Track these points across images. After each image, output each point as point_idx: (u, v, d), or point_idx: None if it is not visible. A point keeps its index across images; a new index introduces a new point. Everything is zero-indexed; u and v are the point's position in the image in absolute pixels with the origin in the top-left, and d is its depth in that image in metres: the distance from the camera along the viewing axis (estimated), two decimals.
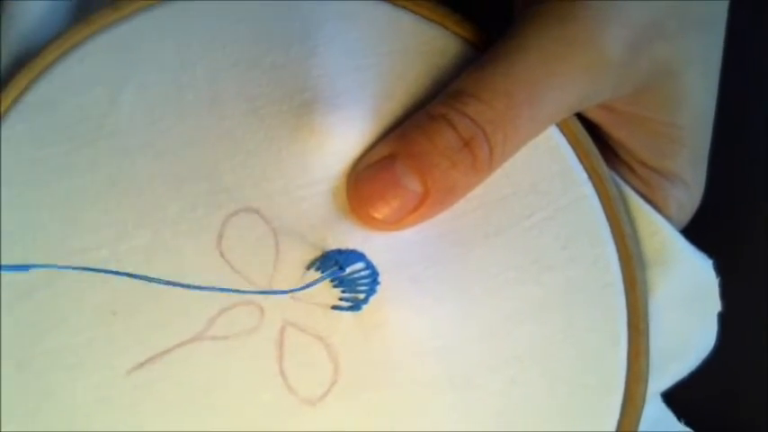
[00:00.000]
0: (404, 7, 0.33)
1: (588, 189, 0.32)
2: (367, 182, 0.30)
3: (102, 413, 0.31)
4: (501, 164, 0.31)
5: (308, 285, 0.30)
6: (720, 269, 0.33)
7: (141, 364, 0.31)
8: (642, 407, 0.32)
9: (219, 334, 0.31)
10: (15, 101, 0.32)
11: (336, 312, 0.31)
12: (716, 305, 0.33)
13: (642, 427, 0.33)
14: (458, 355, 0.31)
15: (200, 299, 0.31)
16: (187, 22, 0.32)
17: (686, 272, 0.33)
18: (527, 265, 0.32)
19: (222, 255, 0.31)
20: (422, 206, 0.30)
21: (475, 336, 0.31)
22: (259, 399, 0.31)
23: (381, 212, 0.30)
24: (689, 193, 0.34)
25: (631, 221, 0.33)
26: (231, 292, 0.30)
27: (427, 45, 0.33)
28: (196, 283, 0.31)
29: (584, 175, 0.32)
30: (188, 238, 0.31)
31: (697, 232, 0.34)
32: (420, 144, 0.30)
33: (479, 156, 0.30)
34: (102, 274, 0.31)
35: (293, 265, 0.31)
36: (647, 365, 0.32)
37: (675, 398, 0.35)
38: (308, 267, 0.31)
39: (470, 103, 0.30)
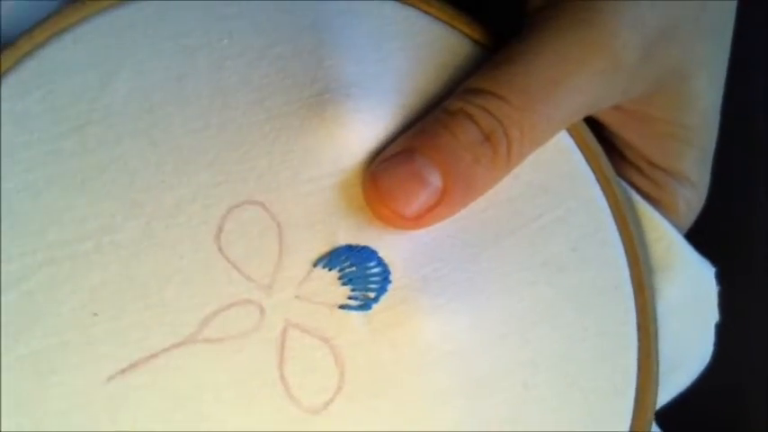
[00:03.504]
0: (413, 5, 0.32)
1: (597, 191, 0.32)
2: (385, 175, 0.29)
3: (75, 425, 0.28)
4: (517, 163, 0.30)
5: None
6: (721, 273, 0.33)
7: (123, 371, 0.28)
8: (652, 415, 0.31)
9: (214, 336, 0.29)
10: None
11: (343, 313, 0.29)
12: (714, 315, 0.33)
13: None
14: (470, 359, 0.30)
15: (193, 297, 0.29)
16: (188, 11, 0.31)
17: (688, 279, 0.33)
18: (537, 267, 0.31)
19: (221, 250, 0.29)
20: (441, 202, 0.29)
21: (488, 339, 0.30)
22: (256, 408, 0.29)
23: (400, 206, 0.29)
24: (695, 193, 0.34)
25: (638, 224, 0.33)
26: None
27: (437, 44, 0.32)
28: (189, 281, 0.29)
29: (593, 177, 0.32)
30: (183, 231, 0.29)
31: (697, 233, 0.34)
32: (442, 137, 0.29)
33: (500, 151, 0.29)
34: (82, 269, 0.28)
35: (299, 262, 0.29)
36: (657, 371, 0.31)
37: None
38: (315, 264, 0.29)
39: (489, 99, 0.29)
